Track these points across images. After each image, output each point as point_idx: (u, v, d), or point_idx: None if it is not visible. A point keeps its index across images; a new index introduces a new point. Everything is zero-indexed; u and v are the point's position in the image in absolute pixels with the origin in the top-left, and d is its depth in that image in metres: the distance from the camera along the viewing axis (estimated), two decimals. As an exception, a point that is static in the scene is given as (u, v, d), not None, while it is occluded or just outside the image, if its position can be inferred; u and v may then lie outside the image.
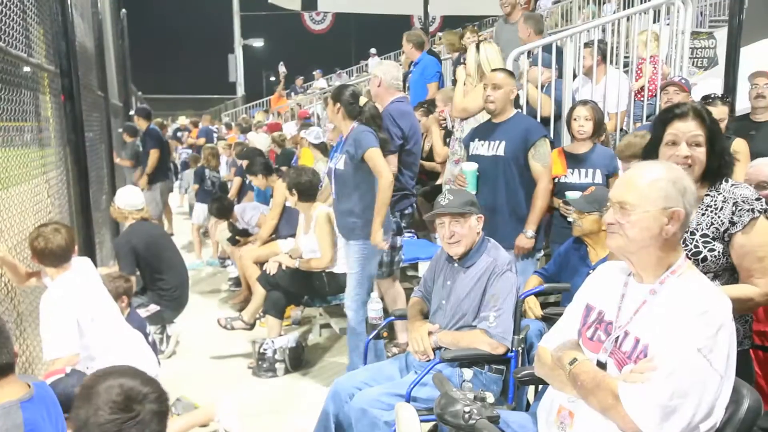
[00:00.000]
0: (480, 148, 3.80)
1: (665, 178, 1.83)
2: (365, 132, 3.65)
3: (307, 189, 4.58)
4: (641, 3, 5.86)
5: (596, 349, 1.91)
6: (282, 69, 12.73)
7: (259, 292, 4.62)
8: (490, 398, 1.82)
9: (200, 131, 13.07)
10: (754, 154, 3.76)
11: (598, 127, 3.88)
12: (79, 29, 5.66)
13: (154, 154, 8.00)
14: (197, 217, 7.84)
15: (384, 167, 3.58)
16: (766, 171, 3.03)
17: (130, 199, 4.70)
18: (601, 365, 1.87)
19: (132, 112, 8.17)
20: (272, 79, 22.54)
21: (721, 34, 9.08)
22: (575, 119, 3.84)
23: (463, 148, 4.09)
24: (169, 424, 3.44)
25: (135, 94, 14.33)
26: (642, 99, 4.95)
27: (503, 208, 3.72)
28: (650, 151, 2.30)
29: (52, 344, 2.90)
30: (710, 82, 5.88)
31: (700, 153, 2.17)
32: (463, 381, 2.63)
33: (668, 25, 5.15)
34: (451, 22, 18.66)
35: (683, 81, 4.35)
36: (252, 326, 4.71)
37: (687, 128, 2.17)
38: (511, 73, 3.91)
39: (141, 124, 8.42)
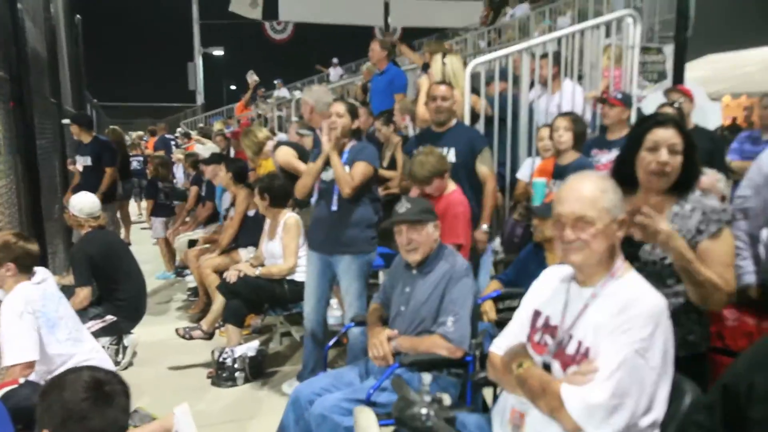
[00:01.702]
0: None
1: (610, 189, 1.91)
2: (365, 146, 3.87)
3: (279, 194, 4.61)
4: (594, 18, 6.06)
5: (543, 353, 1.97)
6: (253, 78, 12.62)
7: (218, 301, 4.58)
8: (447, 400, 1.86)
9: (157, 141, 12.74)
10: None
11: (580, 137, 3.98)
12: (31, 35, 5.54)
13: (110, 173, 7.04)
14: (156, 232, 7.67)
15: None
16: (705, 181, 3.14)
17: (86, 207, 4.59)
18: (547, 368, 1.94)
19: (66, 121, 7.22)
20: (233, 87, 22.39)
21: (670, 49, 9.46)
22: (555, 130, 3.95)
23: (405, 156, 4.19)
24: (125, 437, 3.39)
25: (90, 102, 13.99)
26: (596, 109, 5.10)
27: None
28: (626, 158, 2.35)
29: (11, 351, 2.88)
30: (660, 95, 6.11)
31: (677, 161, 2.23)
32: (422, 385, 2.67)
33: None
34: (411, 34, 18.91)
35: (618, 97, 4.45)
36: (211, 335, 4.65)
37: (668, 136, 2.23)
38: (451, 86, 4.07)
39: (84, 137, 7.03)
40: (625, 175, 2.33)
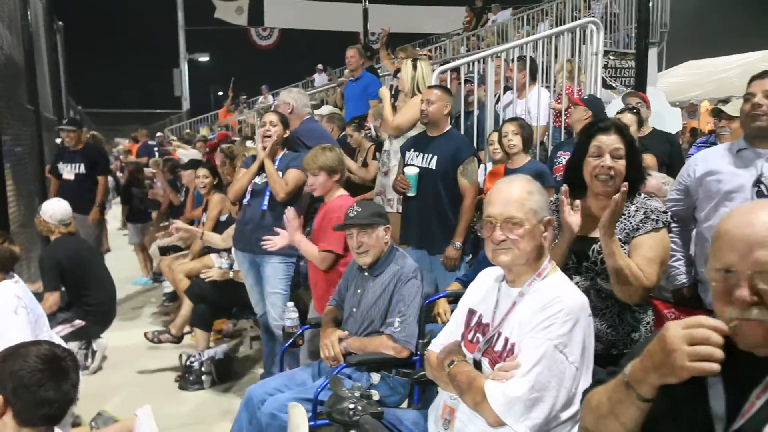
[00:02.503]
0: (415, 158, 3.95)
1: (536, 190, 2.00)
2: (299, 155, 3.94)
3: None
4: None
5: (474, 350, 2.05)
6: (231, 86, 12.78)
7: (186, 305, 4.64)
8: (376, 396, 1.92)
9: (140, 148, 12.70)
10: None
11: (527, 140, 4.07)
12: (6, 41, 5.58)
13: (103, 182, 6.64)
14: (132, 238, 7.70)
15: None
16: (652, 183, 3.22)
17: (58, 213, 4.63)
18: (478, 365, 2.01)
19: (64, 125, 6.78)
20: (220, 93, 22.40)
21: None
22: (504, 135, 4.03)
23: (399, 155, 4.20)
24: (87, 439, 3.43)
25: (74, 108, 13.99)
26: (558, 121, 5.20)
27: (432, 218, 3.86)
28: (575, 164, 2.44)
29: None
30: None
31: (621, 165, 2.32)
32: (371, 384, 2.74)
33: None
34: (395, 40, 19.02)
35: (584, 98, 4.58)
36: (180, 339, 4.70)
37: (610, 141, 2.32)
38: (446, 90, 4.08)
39: (77, 143, 6.61)
40: (574, 180, 2.43)
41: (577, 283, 2.39)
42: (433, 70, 4.97)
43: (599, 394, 1.44)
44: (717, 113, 3.92)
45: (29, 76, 6.81)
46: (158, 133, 14.56)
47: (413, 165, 3.91)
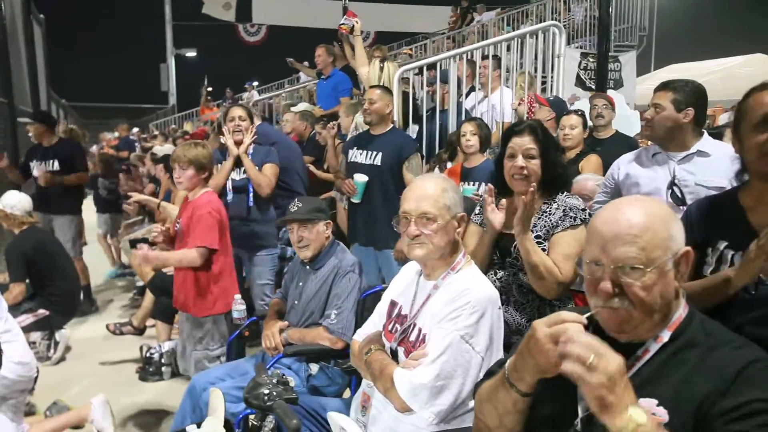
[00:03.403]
0: (358, 156, 4.06)
1: (450, 188, 2.10)
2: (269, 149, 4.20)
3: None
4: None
5: (392, 340, 2.15)
6: (205, 84, 12.87)
7: (149, 298, 4.72)
8: (292, 383, 2.02)
9: (120, 142, 12.71)
10: (603, 168, 4.14)
11: (485, 141, 4.17)
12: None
13: (82, 178, 6.17)
14: (99, 226, 7.75)
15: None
16: (588, 186, 3.35)
17: (23, 203, 4.70)
18: (395, 354, 2.11)
19: (25, 120, 6.57)
20: (210, 89, 22.35)
21: (626, 58, 9.74)
22: (463, 135, 4.13)
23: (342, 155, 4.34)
24: (40, 425, 3.52)
25: (57, 102, 13.99)
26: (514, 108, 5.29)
27: (380, 214, 3.95)
28: (498, 165, 2.58)
29: None
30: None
31: (535, 165, 2.44)
32: (309, 374, 2.84)
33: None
34: (383, 38, 19.13)
35: (549, 99, 4.71)
36: (142, 331, 4.79)
37: (522, 143, 2.45)
38: (387, 90, 4.18)
39: (46, 138, 5.99)
40: (501, 181, 2.55)
41: (500, 278, 2.51)
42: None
43: (489, 392, 1.53)
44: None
45: (2, 67, 6.84)
46: (134, 129, 14.56)
47: (350, 167, 4.04)
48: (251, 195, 4.07)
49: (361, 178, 3.99)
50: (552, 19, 10.98)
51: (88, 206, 10.66)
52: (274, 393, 1.94)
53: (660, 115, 2.71)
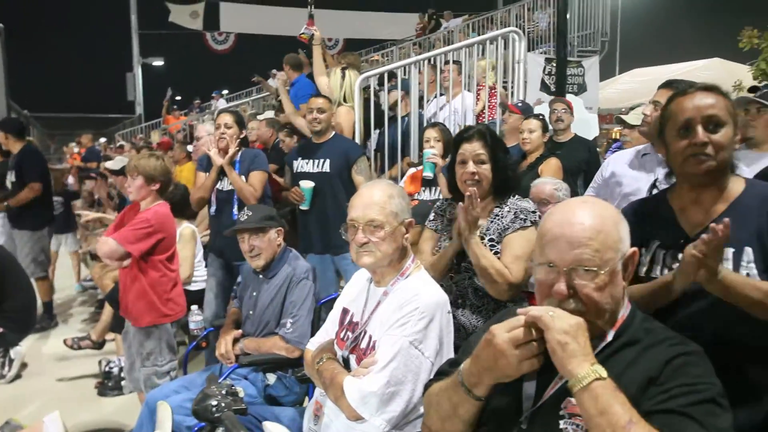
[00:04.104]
0: (305, 166, 4.06)
1: (396, 195, 2.09)
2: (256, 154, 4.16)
3: (179, 204, 4.69)
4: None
5: (344, 348, 2.13)
6: (168, 93, 12.68)
7: (107, 311, 4.62)
8: (241, 393, 1.98)
9: (87, 152, 12.44)
10: (563, 171, 4.20)
11: (448, 146, 4.18)
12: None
13: (35, 188, 5.79)
14: (52, 246, 7.51)
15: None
16: (545, 189, 3.38)
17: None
18: (346, 362, 2.10)
19: None
20: (178, 98, 22.13)
21: (588, 63, 9.88)
22: (426, 140, 4.14)
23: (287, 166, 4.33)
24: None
25: (18, 112, 13.66)
26: (483, 119, 5.35)
27: (333, 218, 3.96)
28: (450, 171, 2.60)
29: None
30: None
31: (485, 169, 2.47)
32: (266, 385, 2.80)
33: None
34: (352, 45, 19.16)
35: (519, 105, 4.76)
36: (101, 345, 4.69)
37: (472, 148, 2.48)
38: (329, 99, 4.24)
39: (12, 145, 5.86)
40: (455, 187, 2.57)
41: (456, 282, 2.52)
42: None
43: (440, 395, 1.52)
44: (619, 122, 4.10)
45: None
46: (102, 139, 14.29)
47: (297, 178, 4.04)
48: (235, 207, 3.97)
49: (307, 185, 3.99)
50: (517, 26, 11.14)
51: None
52: (223, 404, 1.91)
53: (657, 113, 2.74)
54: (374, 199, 2.05)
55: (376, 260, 2.04)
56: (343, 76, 5.09)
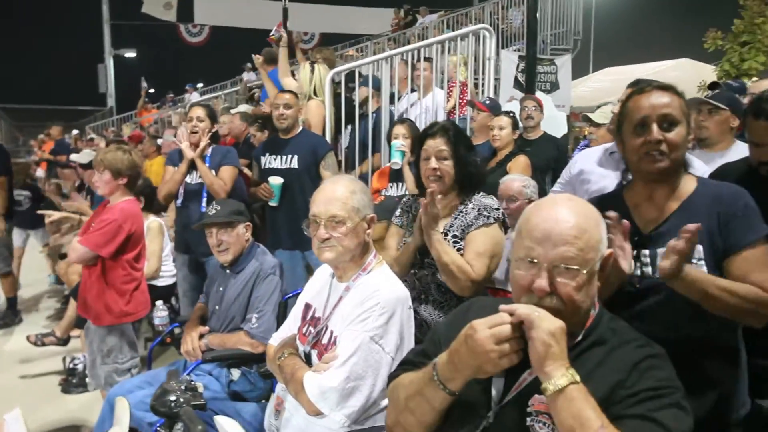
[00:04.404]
0: (273, 162, 4.05)
1: (358, 190, 2.10)
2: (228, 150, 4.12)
3: (146, 198, 4.66)
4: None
5: (305, 343, 2.14)
6: (143, 84, 12.47)
7: (72, 307, 4.55)
8: (201, 388, 1.98)
9: (56, 145, 12.17)
10: (532, 168, 4.25)
11: (415, 142, 4.19)
12: None
13: (2, 182, 5.73)
14: (16, 241, 7.36)
15: None
16: (513, 186, 3.41)
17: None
18: (308, 357, 2.10)
19: None
20: (152, 91, 21.77)
21: (561, 61, 9.98)
22: (395, 137, 4.14)
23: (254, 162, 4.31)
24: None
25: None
26: (453, 116, 5.37)
27: (303, 215, 3.91)
28: (416, 167, 2.62)
29: None
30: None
31: (447, 166, 2.48)
32: (230, 380, 2.79)
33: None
34: (329, 39, 19.08)
35: (486, 103, 4.79)
36: (65, 342, 4.62)
37: (435, 145, 2.49)
38: (296, 95, 4.22)
39: None
40: (420, 183, 2.59)
41: (419, 278, 2.54)
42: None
43: (409, 388, 1.50)
44: (586, 119, 4.16)
45: None
46: (74, 131, 14.01)
47: (265, 174, 4.03)
48: (204, 200, 3.94)
49: (276, 181, 3.98)
50: (491, 23, 11.21)
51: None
52: (182, 399, 1.90)
53: None
54: (336, 194, 2.05)
55: (338, 255, 2.04)
56: (312, 70, 5.08)
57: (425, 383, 1.44)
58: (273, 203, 3.98)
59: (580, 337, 1.41)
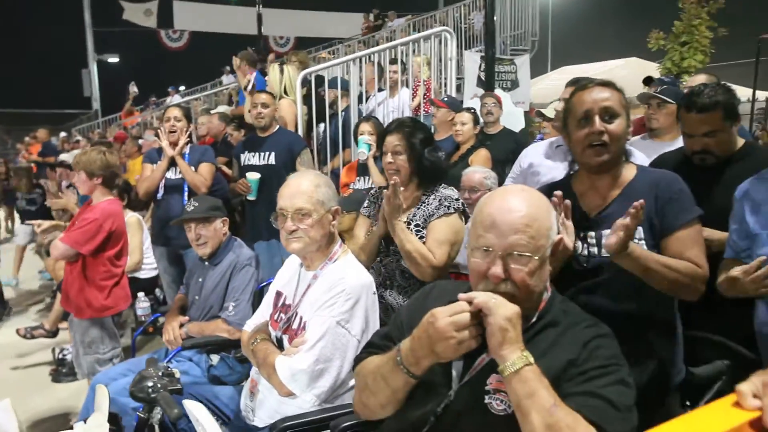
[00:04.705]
0: (252, 159, 4.02)
1: (323, 184, 2.09)
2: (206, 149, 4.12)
3: (126, 195, 4.60)
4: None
5: (277, 329, 2.13)
6: (133, 89, 12.20)
7: (59, 300, 4.46)
8: (177, 374, 1.96)
9: (44, 147, 11.87)
10: (492, 161, 4.27)
11: (381, 138, 4.19)
12: None
13: None
14: (21, 239, 7.25)
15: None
16: (474, 178, 3.43)
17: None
18: (280, 342, 2.09)
19: None
20: (135, 90, 21.32)
21: (520, 61, 10.02)
22: (361, 133, 4.13)
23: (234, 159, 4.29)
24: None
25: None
26: (419, 114, 5.37)
27: None
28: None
29: None
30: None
31: (401, 160, 2.49)
32: (210, 365, 2.77)
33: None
34: (303, 43, 18.93)
35: (445, 100, 4.80)
36: (54, 334, 4.53)
37: (392, 141, 2.51)
38: (272, 94, 4.19)
39: None
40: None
41: (385, 265, 2.54)
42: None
43: (375, 372, 1.49)
44: (539, 115, 4.19)
45: None
46: (62, 134, 13.69)
47: (245, 170, 4.00)
48: (185, 194, 3.91)
49: (253, 176, 3.98)
50: (454, 26, 11.22)
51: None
52: (159, 385, 1.88)
53: None
54: (302, 188, 2.04)
55: (305, 246, 2.03)
56: (282, 71, 5.08)
57: (390, 368, 1.44)
58: (251, 197, 3.96)
59: (534, 319, 1.42)
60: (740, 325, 2.03)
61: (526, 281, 1.35)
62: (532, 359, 1.26)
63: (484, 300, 1.29)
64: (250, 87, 5.04)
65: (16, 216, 10.66)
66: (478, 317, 1.29)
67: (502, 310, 1.27)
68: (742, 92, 12.10)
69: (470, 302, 1.30)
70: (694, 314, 1.96)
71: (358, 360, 1.64)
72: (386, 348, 1.52)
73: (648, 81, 4.02)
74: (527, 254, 1.34)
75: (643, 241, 1.80)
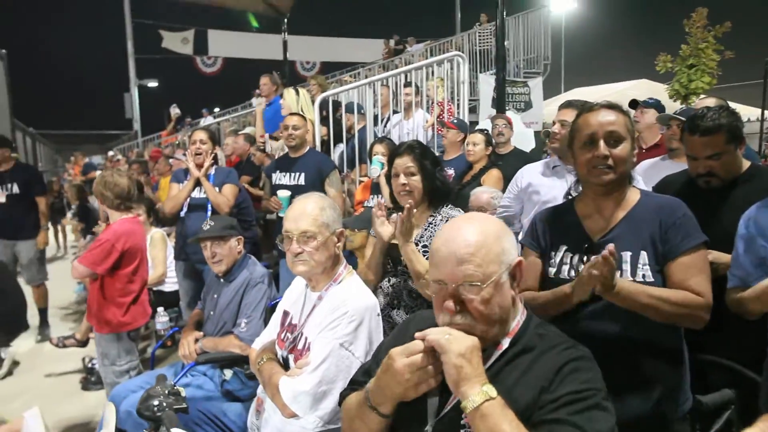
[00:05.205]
0: (282, 178, 4.00)
1: (328, 206, 2.01)
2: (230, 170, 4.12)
3: (152, 212, 4.60)
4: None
5: (283, 348, 2.05)
6: (175, 111, 12.38)
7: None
8: (183, 392, 1.89)
9: (85, 166, 12.11)
10: (504, 179, 4.16)
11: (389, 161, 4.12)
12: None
13: (44, 202, 5.48)
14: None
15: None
16: (482, 198, 3.33)
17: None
18: (286, 361, 2.01)
19: None
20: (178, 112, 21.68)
21: (533, 83, 9.91)
22: (375, 154, 4.07)
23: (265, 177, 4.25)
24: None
25: (24, 130, 13.27)
26: (439, 133, 5.28)
27: None
28: (389, 184, 2.53)
29: None
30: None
31: (415, 181, 2.40)
32: (223, 380, 2.70)
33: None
34: (328, 67, 19.07)
35: (454, 121, 4.71)
36: (85, 343, 4.50)
37: (403, 162, 2.42)
38: (303, 117, 4.13)
39: (3, 163, 5.33)
40: (394, 198, 2.51)
41: (392, 284, 2.45)
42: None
43: (352, 411, 1.43)
44: (547, 135, 4.08)
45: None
46: (109, 152, 14.00)
47: (286, 188, 3.93)
48: (209, 213, 3.87)
49: (284, 194, 3.91)
50: (470, 51, 11.18)
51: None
52: (164, 404, 1.81)
53: (566, 130, 2.70)
54: (307, 211, 1.96)
55: (310, 268, 1.96)
56: (297, 93, 5.09)
57: (361, 407, 1.38)
58: (282, 214, 3.91)
59: (506, 345, 1.32)
60: (749, 347, 1.90)
61: (480, 309, 1.26)
62: (493, 392, 1.17)
63: (436, 338, 1.22)
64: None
65: (68, 231, 10.90)
66: (435, 355, 1.22)
67: (455, 346, 1.20)
68: (751, 112, 11.79)
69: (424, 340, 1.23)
70: (700, 337, 1.83)
71: (342, 396, 1.55)
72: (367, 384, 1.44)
73: (634, 105, 3.90)
74: (477, 283, 1.26)
75: (647, 266, 1.68)
